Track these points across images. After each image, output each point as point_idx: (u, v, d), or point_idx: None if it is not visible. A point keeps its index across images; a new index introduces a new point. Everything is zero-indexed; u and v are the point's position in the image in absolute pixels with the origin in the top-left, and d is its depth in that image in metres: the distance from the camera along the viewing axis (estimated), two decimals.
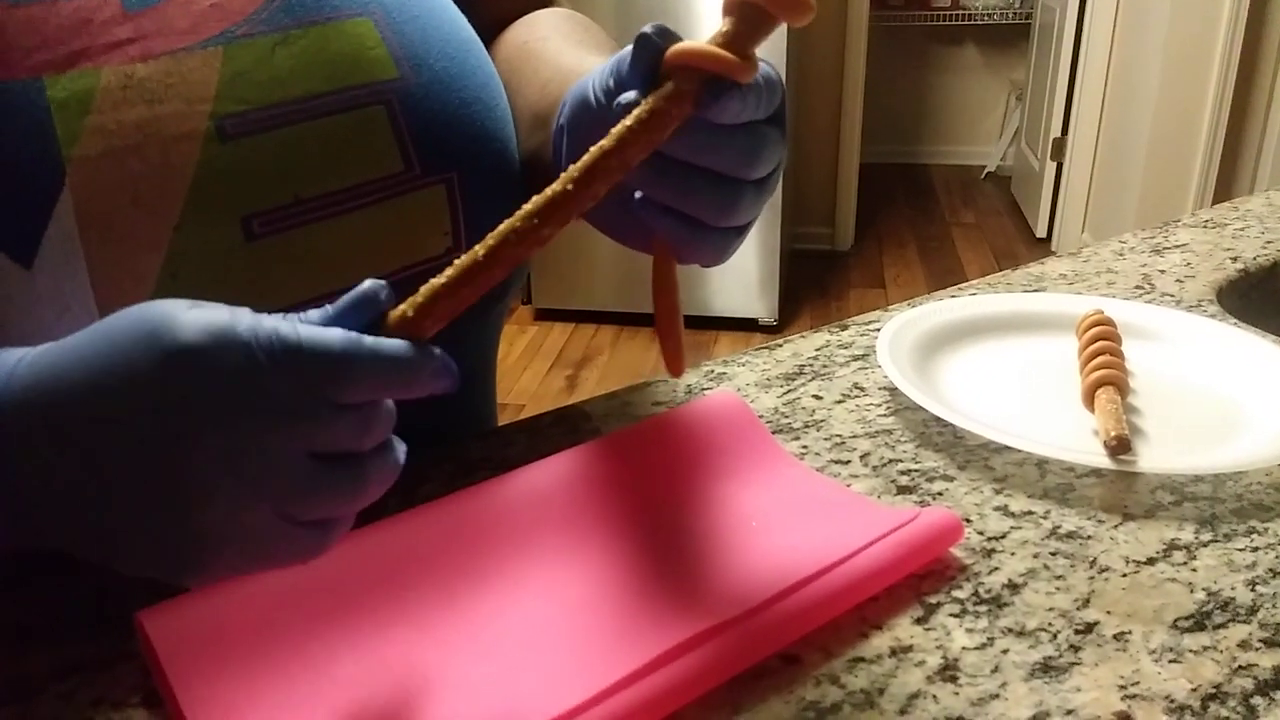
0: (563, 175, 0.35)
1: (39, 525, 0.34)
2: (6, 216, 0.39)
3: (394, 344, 0.32)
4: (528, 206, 0.34)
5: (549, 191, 0.35)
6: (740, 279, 2.90)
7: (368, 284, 0.33)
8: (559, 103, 0.47)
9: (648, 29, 0.37)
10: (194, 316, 0.30)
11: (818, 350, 0.67)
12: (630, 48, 0.39)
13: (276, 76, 0.44)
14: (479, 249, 0.34)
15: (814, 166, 3.43)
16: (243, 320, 0.31)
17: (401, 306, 0.34)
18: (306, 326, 0.31)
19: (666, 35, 0.37)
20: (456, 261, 0.34)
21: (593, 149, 0.35)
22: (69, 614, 0.44)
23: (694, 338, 2.89)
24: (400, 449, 0.35)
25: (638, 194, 0.41)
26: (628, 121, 0.36)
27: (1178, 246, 0.83)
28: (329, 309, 0.33)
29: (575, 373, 2.75)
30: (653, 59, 0.37)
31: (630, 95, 0.37)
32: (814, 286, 3.24)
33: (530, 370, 2.76)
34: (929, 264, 3.37)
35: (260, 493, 0.31)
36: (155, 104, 0.41)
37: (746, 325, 2.93)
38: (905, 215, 3.88)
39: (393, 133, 0.46)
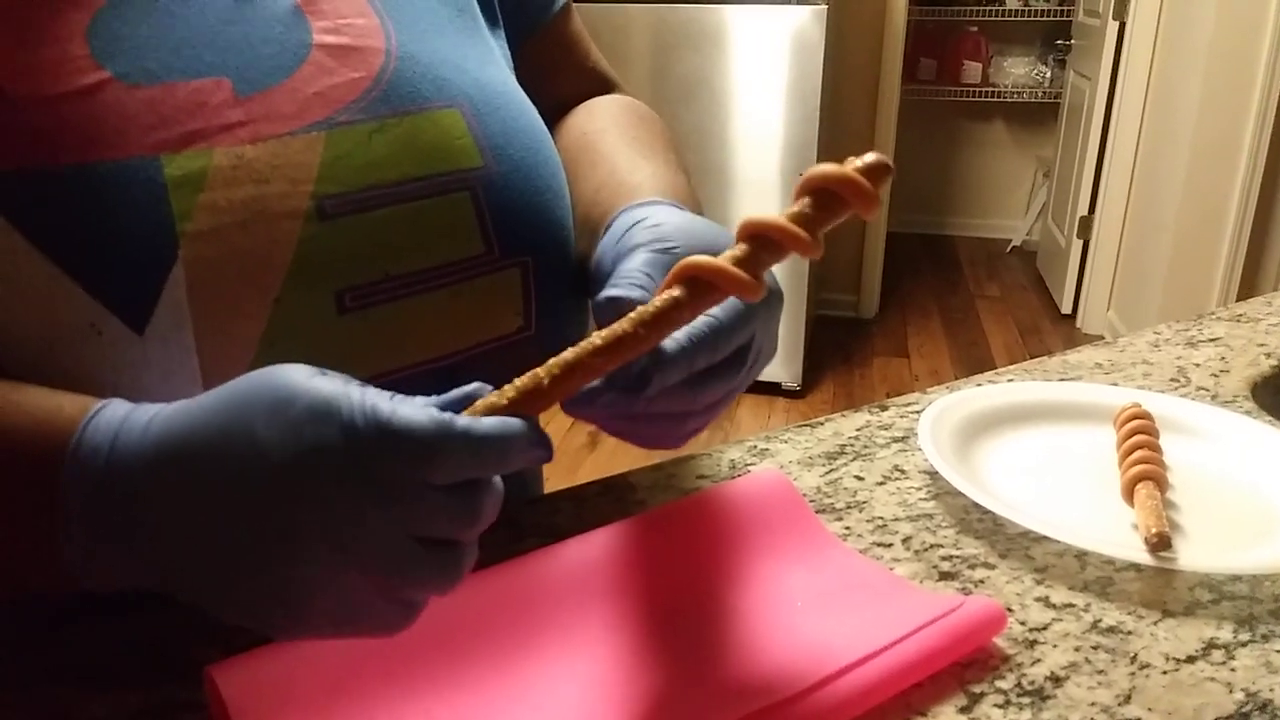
0: (581, 344, 0.37)
1: (157, 566, 0.36)
2: (123, 285, 0.41)
3: (487, 422, 0.33)
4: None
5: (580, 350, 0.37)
6: None
7: (474, 386, 0.35)
8: (606, 215, 0.51)
9: (601, 298, 0.42)
10: (311, 386, 0.33)
11: (858, 430, 0.69)
12: (635, 241, 0.46)
13: (373, 161, 0.47)
14: (563, 359, 0.37)
15: (841, 234, 3.47)
16: (348, 397, 0.33)
17: (492, 396, 0.35)
18: (404, 405, 0.33)
19: (616, 304, 0.41)
20: (550, 362, 0.36)
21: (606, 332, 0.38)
22: (129, 658, 0.46)
23: None
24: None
25: None
26: (644, 312, 0.38)
27: (1211, 340, 0.85)
28: (434, 400, 0.35)
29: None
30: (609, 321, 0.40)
31: (603, 296, 0.42)
32: (838, 353, 3.25)
33: (552, 426, 2.77)
34: (952, 335, 3.39)
35: (358, 564, 0.33)
36: (262, 183, 0.44)
37: (770, 389, 2.95)
38: (930, 285, 3.90)
39: (475, 217, 0.49)
